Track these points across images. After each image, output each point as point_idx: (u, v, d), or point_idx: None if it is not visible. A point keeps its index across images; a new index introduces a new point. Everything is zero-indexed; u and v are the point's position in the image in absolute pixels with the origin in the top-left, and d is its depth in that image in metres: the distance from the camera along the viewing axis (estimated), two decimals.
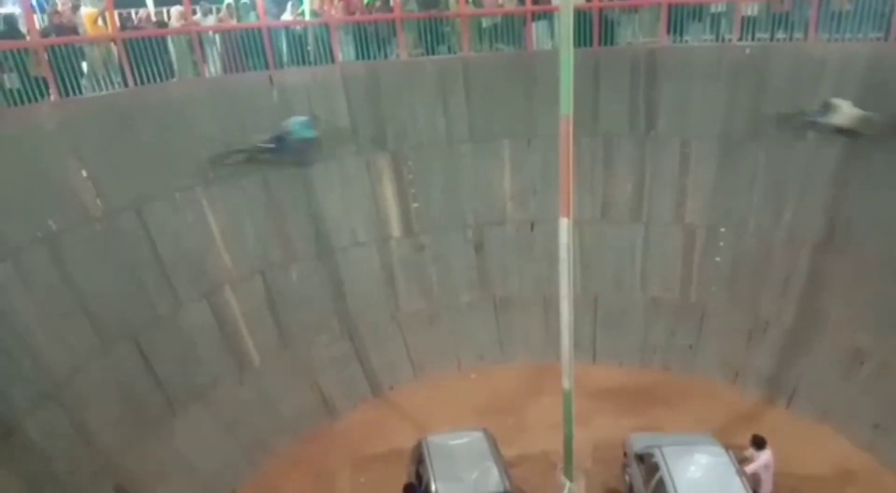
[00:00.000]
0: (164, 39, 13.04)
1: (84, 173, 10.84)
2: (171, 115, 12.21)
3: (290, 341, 13.61)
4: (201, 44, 13.47)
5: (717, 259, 14.56)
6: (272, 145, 12.92)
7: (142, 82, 12.36)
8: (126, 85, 12.24)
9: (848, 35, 13.13)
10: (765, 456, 9.76)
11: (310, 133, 13.08)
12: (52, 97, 11.06)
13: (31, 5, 12.36)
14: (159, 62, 12.67)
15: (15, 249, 9.55)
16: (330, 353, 14.04)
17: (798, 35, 13.84)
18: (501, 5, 15.70)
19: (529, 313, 15.29)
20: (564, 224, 8.78)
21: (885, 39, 12.53)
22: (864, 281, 12.50)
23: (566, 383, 9.58)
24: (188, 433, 11.39)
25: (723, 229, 14.47)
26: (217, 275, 12.72)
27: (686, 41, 14.93)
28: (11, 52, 10.74)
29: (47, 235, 10.08)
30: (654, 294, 15.18)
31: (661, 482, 9.38)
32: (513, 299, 15.53)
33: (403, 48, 14.99)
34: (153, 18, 14.43)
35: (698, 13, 14.83)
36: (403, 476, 10.54)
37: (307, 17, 15.13)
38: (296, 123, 13.05)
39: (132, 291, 11.26)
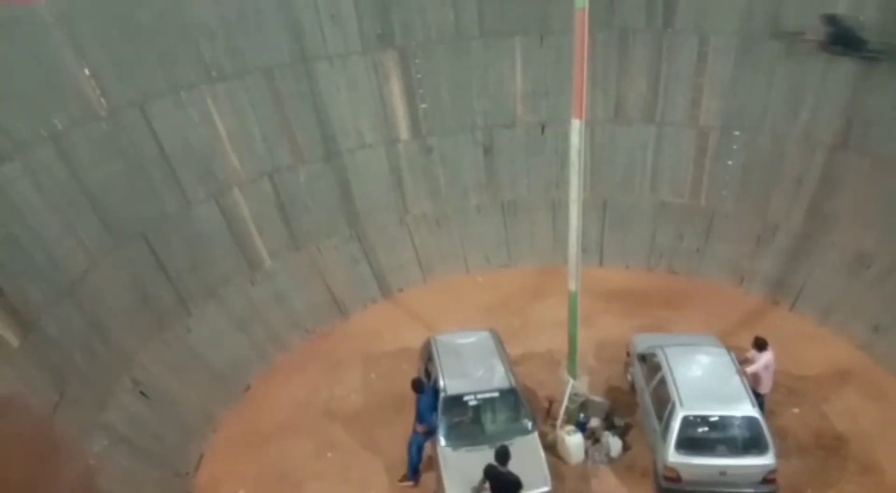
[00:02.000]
0: None
1: (86, 71, 10.58)
2: (169, 5, 11.76)
3: (300, 243, 13.71)
4: None
5: (730, 162, 14.35)
6: None
7: None
8: None
9: None
10: (765, 357, 9.96)
11: None
12: None
13: None
14: None
15: (22, 146, 9.47)
16: (340, 255, 14.18)
17: None
18: None
19: (537, 216, 15.28)
20: (576, 126, 8.61)
21: None
22: (877, 184, 12.40)
23: (572, 285, 9.70)
24: (201, 329, 11.70)
25: (737, 132, 14.18)
26: (225, 176, 12.67)
27: None
28: None
29: (53, 133, 9.97)
30: (664, 197, 15.08)
31: (662, 381, 9.65)
32: (521, 202, 15.47)
33: None
34: None
35: None
36: (412, 372, 10.87)
37: None
38: None
39: (141, 189, 11.28)
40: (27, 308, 8.81)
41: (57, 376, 8.83)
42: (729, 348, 10.27)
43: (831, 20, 12.50)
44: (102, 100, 10.81)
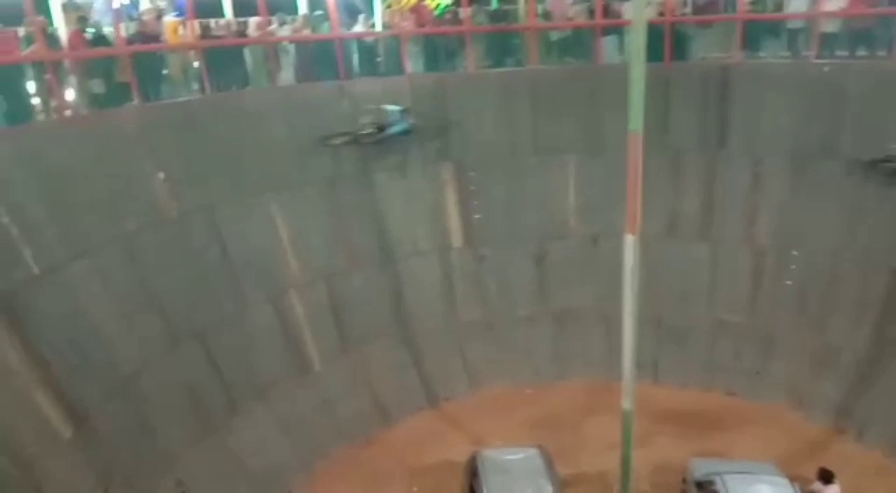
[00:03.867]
0: (240, 48, 13.48)
1: (161, 176, 11.27)
2: (245, 121, 12.59)
3: (349, 346, 13.80)
4: (276, 53, 13.86)
5: (788, 282, 14.06)
6: (372, 131, 13.62)
7: (218, 89, 12.80)
8: (203, 91, 12.69)
9: None
10: (832, 491, 9.34)
11: (403, 125, 13.75)
12: (134, 101, 11.56)
13: (119, 13, 12.96)
14: (236, 70, 13.10)
15: (95, 246, 9.98)
16: (388, 360, 14.17)
17: (881, 53, 13.31)
18: (571, 19, 15.64)
19: (589, 328, 15.09)
20: (630, 241, 8.67)
21: None
22: None
23: (626, 403, 9.42)
24: (247, 432, 11.66)
25: (794, 252, 13.97)
26: (283, 279, 13.03)
27: (761, 57, 14.54)
28: (100, 59, 11.29)
29: (125, 235, 10.51)
30: (720, 315, 14.75)
31: None
32: (572, 313, 15.34)
33: (472, 60, 15.08)
34: (233, 27, 14.93)
35: (775, 29, 14.44)
36: (456, 488, 10.53)
37: (378, 29, 15.41)
38: (392, 112, 13.69)
39: (202, 291, 11.64)
40: (82, 403, 9.00)
41: (103, 473, 8.87)
42: (791, 479, 9.68)
43: None
44: (174, 203, 11.42)
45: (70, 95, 11.34)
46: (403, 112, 13.63)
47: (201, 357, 11.38)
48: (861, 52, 13.64)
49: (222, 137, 12.22)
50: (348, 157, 13.82)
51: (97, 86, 11.42)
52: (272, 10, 14.55)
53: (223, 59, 12.97)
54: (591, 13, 15.39)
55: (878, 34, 13.44)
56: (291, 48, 14.30)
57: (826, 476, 9.53)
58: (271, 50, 13.80)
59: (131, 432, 9.68)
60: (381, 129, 13.62)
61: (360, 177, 14.03)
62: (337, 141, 13.40)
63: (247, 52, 13.70)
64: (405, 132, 13.78)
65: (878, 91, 12.75)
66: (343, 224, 13.87)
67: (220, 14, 15.95)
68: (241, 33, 14.67)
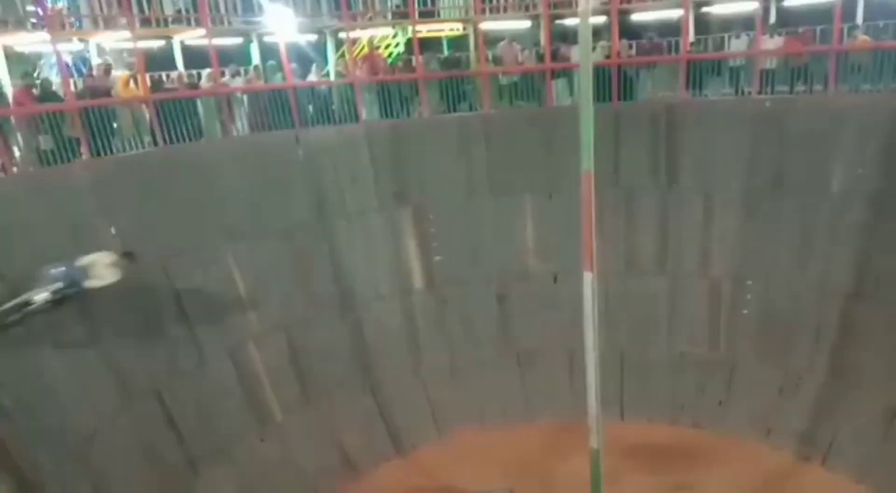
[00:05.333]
0: (193, 100, 13.45)
1: (113, 230, 11.04)
2: (199, 173, 12.48)
3: (312, 397, 13.50)
4: (229, 104, 13.86)
5: (745, 311, 14.31)
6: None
7: (171, 142, 12.71)
8: (156, 144, 12.59)
9: (867, 87, 13.16)
10: None
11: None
12: (83, 156, 11.37)
13: (68, 69, 12.86)
14: (188, 122, 13.04)
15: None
16: (352, 409, 13.88)
17: (818, 87, 13.90)
18: (521, 63, 16.04)
19: (554, 367, 15.06)
20: (588, 279, 8.73)
21: None
22: None
23: (594, 442, 9.36)
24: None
25: (749, 282, 14.26)
26: (241, 330, 12.76)
27: (706, 95, 15.05)
28: (48, 114, 11.14)
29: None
30: (682, 348, 14.90)
31: None
32: (537, 352, 15.32)
33: (426, 106, 15.29)
34: (185, 80, 14.92)
35: (717, 68, 14.99)
36: None
37: (332, 78, 15.57)
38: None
39: (157, 346, 11.32)
40: (34, 472, 8.57)
41: None
42: None
43: None
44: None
45: (17, 151, 11.13)
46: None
47: (158, 414, 10.99)
48: (800, 88, 14.22)
49: (176, 189, 12.07)
50: (308, 205, 13.78)
51: (46, 142, 11.23)
52: (224, 63, 14.59)
53: (175, 112, 12.91)
54: (541, 57, 15.80)
55: (813, 70, 14.06)
56: (245, 99, 14.33)
57: None
58: (224, 101, 13.79)
59: None
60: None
61: (318, 224, 13.95)
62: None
63: (199, 104, 13.66)
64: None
65: (817, 122, 13.26)
66: (302, 273, 13.72)
67: (172, 67, 15.96)
68: (194, 85, 14.66)
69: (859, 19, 14.46)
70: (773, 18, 15.36)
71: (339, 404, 13.74)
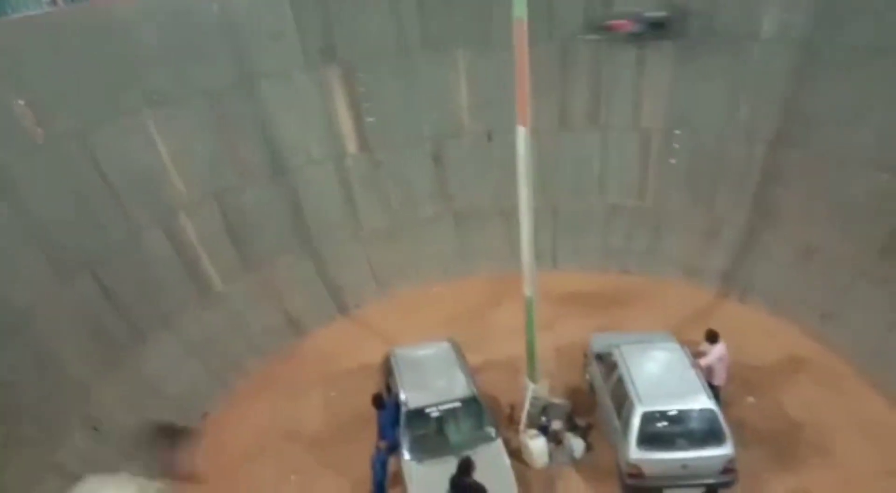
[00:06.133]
0: None
1: (21, 101, 10.28)
2: (110, 34, 11.57)
3: (251, 264, 13.53)
4: None
5: (673, 161, 14.70)
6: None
7: (72, 0, 11.61)
8: (55, 3, 11.51)
9: None
10: (718, 349, 10.18)
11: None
12: None
13: None
14: None
15: None
16: (293, 273, 14.03)
17: None
18: None
19: (490, 223, 15.39)
20: (522, 133, 8.72)
21: None
22: (817, 179, 12.81)
23: (528, 290, 9.79)
24: (156, 359, 11.41)
25: (678, 131, 14.55)
26: (171, 200, 12.45)
27: None
28: None
29: None
30: (613, 200, 15.37)
31: (619, 379, 9.78)
32: (473, 210, 15.57)
33: None
34: None
35: None
36: (373, 389, 10.80)
37: None
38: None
39: (85, 220, 10.98)
40: None
41: (8, 414, 8.51)
42: (683, 343, 10.47)
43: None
44: (39, 130, 10.48)
45: None
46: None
47: (96, 289, 10.85)
48: None
49: (86, 53, 11.20)
50: (230, 65, 13.06)
51: None
52: None
53: None
54: None
55: None
56: None
57: (712, 337, 10.34)
58: None
59: (33, 372, 9.25)
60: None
61: (242, 86, 13.31)
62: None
63: None
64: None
65: None
66: (229, 138, 13.24)
67: None
68: None
69: None
70: None
71: (279, 269, 13.85)
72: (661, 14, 13.65)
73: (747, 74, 13.56)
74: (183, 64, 12.45)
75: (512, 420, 10.71)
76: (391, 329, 13.39)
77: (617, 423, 9.54)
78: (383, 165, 15.03)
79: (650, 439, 8.98)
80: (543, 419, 10.42)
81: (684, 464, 8.91)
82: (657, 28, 13.74)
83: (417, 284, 15.04)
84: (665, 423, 9.14)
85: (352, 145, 14.80)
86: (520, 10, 8.00)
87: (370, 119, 14.74)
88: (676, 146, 14.56)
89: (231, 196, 13.28)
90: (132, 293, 11.39)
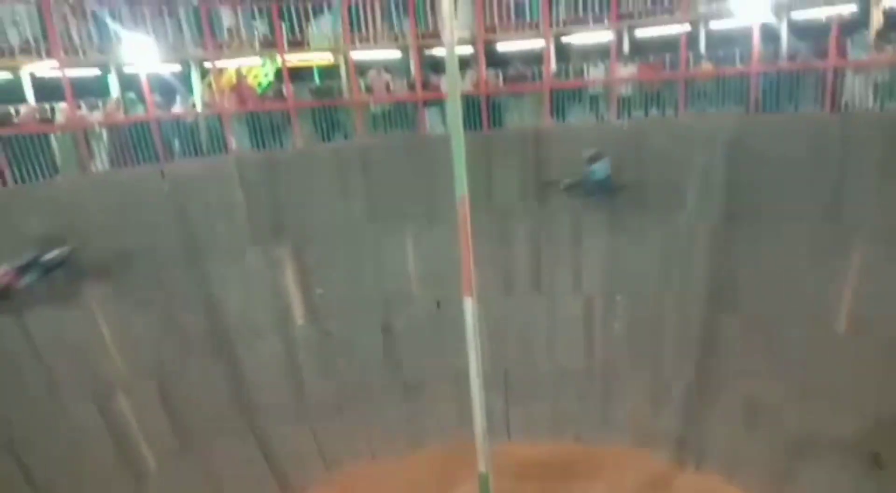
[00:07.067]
0: (45, 136, 12.60)
1: None
2: (55, 212, 11.64)
3: (188, 444, 12.76)
4: (87, 139, 13.08)
5: (616, 325, 15.00)
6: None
7: (21, 180, 11.82)
8: (5, 184, 11.70)
9: (712, 109, 14.44)
10: None
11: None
12: None
13: None
14: (41, 159, 12.20)
15: None
16: (234, 453, 13.22)
17: (670, 112, 15.03)
18: (392, 92, 16.17)
19: (441, 393, 15.03)
20: (468, 303, 8.85)
21: (746, 112, 14.00)
22: (751, 339, 13.14)
23: (482, 466, 9.42)
24: None
25: (618, 297, 14.99)
26: (106, 376, 11.92)
27: (569, 121, 15.83)
28: None
29: None
30: (561, 364, 15.37)
31: None
32: (423, 380, 15.27)
33: (300, 136, 15.08)
34: (37, 115, 13.88)
35: (578, 96, 15.84)
36: None
37: (199, 109, 15.04)
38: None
39: (11, 399, 10.37)
40: None
41: None
42: None
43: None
44: None
45: None
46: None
47: (12, 469, 10.00)
48: (654, 112, 15.30)
49: (30, 230, 11.17)
50: (177, 241, 13.16)
51: None
52: (81, 95, 13.76)
53: (25, 148, 12.02)
54: (412, 87, 16.03)
55: (665, 95, 15.18)
56: (104, 133, 13.53)
57: None
58: (81, 136, 12.98)
59: None
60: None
61: (189, 262, 13.34)
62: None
63: (53, 140, 12.79)
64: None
65: (670, 143, 14.35)
66: (172, 314, 13.02)
67: (21, 99, 14.80)
68: (47, 120, 13.70)
69: (703, 49, 15.73)
70: (626, 48, 16.39)
71: (218, 449, 13.07)
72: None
73: (676, 241, 14.34)
74: (129, 241, 12.48)
75: None
76: None
77: None
78: (332, 336, 14.87)
79: None
80: None
81: None
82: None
83: (366, 459, 14.36)
84: None
85: (300, 316, 14.71)
86: (461, 188, 8.43)
87: (319, 290, 14.79)
88: (619, 311, 14.92)
89: (171, 373, 12.80)
90: (55, 475, 10.53)
